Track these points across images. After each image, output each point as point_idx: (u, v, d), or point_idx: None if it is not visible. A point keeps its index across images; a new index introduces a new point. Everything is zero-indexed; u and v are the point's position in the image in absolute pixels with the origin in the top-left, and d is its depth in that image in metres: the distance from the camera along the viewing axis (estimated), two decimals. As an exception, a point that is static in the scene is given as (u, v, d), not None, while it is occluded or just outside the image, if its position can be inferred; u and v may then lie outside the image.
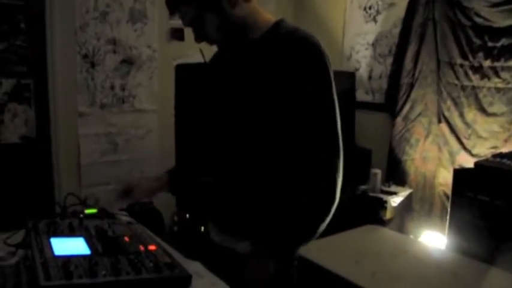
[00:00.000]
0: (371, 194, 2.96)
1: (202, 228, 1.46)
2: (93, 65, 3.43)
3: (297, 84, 1.14)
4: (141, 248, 1.42)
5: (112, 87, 3.54)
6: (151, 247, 1.42)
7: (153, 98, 3.74)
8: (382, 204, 2.83)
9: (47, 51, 3.23)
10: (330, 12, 4.05)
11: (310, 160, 1.16)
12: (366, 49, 3.68)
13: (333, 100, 1.17)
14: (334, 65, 3.82)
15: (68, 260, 1.23)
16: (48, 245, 1.37)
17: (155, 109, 3.75)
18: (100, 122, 3.53)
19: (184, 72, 2.98)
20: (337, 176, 1.18)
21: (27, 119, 3.23)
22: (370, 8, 3.63)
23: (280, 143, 1.19)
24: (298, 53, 1.15)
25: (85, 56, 3.39)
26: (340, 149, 1.19)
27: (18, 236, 1.54)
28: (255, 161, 1.24)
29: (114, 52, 3.50)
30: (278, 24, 1.25)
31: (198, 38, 1.28)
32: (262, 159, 1.23)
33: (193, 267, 1.35)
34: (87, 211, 1.87)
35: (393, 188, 3.06)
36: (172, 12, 1.26)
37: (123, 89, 3.59)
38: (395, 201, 2.90)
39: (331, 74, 1.17)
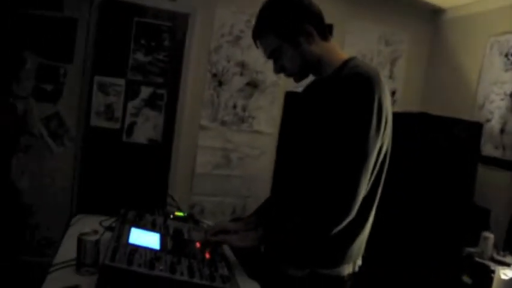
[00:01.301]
0: (477, 259, 2.63)
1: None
2: (220, 83, 3.72)
3: (341, 112, 1.23)
4: (207, 256, 1.49)
5: (234, 107, 3.79)
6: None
7: (272, 122, 3.89)
8: (489, 274, 2.50)
9: (182, 67, 3.61)
10: (466, 56, 3.80)
11: (336, 172, 1.22)
12: (502, 99, 3.34)
13: (364, 138, 1.20)
14: (463, 114, 3.55)
15: (136, 249, 1.35)
16: (127, 232, 1.52)
17: (272, 132, 3.89)
18: (218, 137, 3.78)
19: (292, 99, 3.06)
20: (357, 192, 1.21)
21: (156, 124, 3.62)
22: (512, 55, 3.32)
23: (321, 158, 1.28)
24: (344, 88, 1.24)
25: (214, 75, 3.70)
26: (366, 168, 1.21)
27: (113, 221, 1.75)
28: (304, 173, 1.36)
29: (241, 74, 3.75)
30: (345, 63, 1.34)
31: (276, 70, 1.42)
32: (308, 172, 1.34)
33: (250, 286, 1.38)
34: (177, 213, 2.03)
35: (508, 259, 2.67)
36: (255, 43, 1.41)
37: (244, 109, 3.81)
38: (506, 274, 2.53)
39: (375, 110, 1.21)
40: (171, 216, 1.95)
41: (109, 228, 1.67)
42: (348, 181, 1.20)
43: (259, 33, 1.38)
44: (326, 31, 1.39)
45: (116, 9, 3.47)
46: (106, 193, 3.38)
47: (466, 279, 2.64)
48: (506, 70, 3.35)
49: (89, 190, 3.48)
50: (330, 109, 1.27)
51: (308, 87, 1.51)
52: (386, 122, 1.25)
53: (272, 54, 1.38)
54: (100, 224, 1.75)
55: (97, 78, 3.47)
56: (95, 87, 3.47)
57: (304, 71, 1.39)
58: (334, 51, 1.39)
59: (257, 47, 1.44)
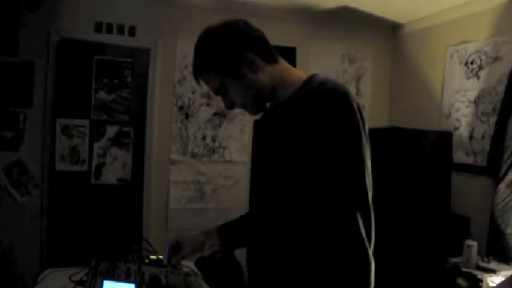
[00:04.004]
0: (464, 269, 2.61)
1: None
2: (187, 116, 3.66)
3: (325, 134, 1.08)
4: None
5: (204, 138, 3.72)
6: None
7: (243, 150, 3.83)
8: (477, 283, 2.47)
9: (147, 103, 3.54)
10: (428, 68, 3.87)
11: (334, 213, 1.06)
12: (467, 107, 3.40)
13: (360, 151, 1.09)
14: (431, 124, 3.61)
15: (109, 305, 1.26)
16: (99, 287, 1.42)
17: (244, 161, 3.82)
18: (190, 171, 3.70)
19: (260, 128, 3.03)
20: (362, 234, 1.06)
21: (125, 163, 3.51)
22: (472, 63, 3.39)
23: (310, 195, 1.11)
24: (325, 103, 1.10)
25: (181, 108, 3.64)
26: (368, 202, 1.08)
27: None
28: (288, 215, 1.18)
29: (208, 105, 3.70)
30: (309, 79, 1.22)
31: (227, 106, 1.28)
32: (295, 213, 1.16)
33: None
34: (152, 256, 1.93)
35: (493, 265, 2.66)
36: (197, 81, 1.28)
37: (214, 140, 3.75)
38: (493, 281, 2.51)
39: (361, 124, 1.11)
40: (147, 260, 1.85)
41: (80, 283, 1.55)
42: (352, 226, 1.05)
43: (198, 73, 1.26)
44: (272, 53, 1.26)
45: (74, 49, 3.39)
46: (77, 240, 3.23)
47: (462, 282, 2.61)
48: (468, 78, 3.42)
49: (58, 239, 3.32)
50: (308, 131, 1.12)
51: (266, 115, 1.37)
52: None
53: (218, 91, 1.26)
54: (69, 278, 1.63)
55: (59, 121, 3.36)
56: (57, 130, 3.35)
57: (257, 102, 1.26)
58: (287, 72, 1.27)
59: (199, 85, 1.33)
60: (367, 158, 1.11)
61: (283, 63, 1.28)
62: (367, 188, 1.08)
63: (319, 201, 1.09)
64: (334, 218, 1.06)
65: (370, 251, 1.07)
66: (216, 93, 1.27)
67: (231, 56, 1.20)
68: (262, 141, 1.36)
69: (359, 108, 1.12)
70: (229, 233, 1.52)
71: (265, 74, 1.22)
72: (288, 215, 1.17)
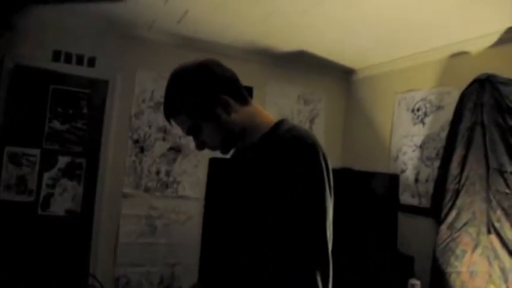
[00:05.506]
0: (407, 307, 2.68)
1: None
2: (142, 149, 3.64)
3: (288, 181, 1.09)
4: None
5: (158, 173, 3.70)
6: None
7: (197, 186, 3.82)
8: (419, 320, 2.55)
9: (102, 134, 3.50)
10: (378, 112, 4.07)
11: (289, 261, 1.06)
12: (413, 151, 3.59)
13: (322, 197, 1.10)
14: (380, 167, 3.76)
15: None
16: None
17: (198, 197, 3.80)
18: (142, 205, 3.64)
19: (217, 166, 3.07)
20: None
21: (75, 195, 3.41)
22: (418, 110, 3.60)
23: (270, 239, 1.11)
24: (289, 151, 1.12)
25: (136, 141, 3.62)
26: (328, 255, 1.08)
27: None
28: (249, 254, 1.17)
29: (164, 139, 3.71)
30: (277, 124, 1.24)
31: (198, 146, 1.28)
32: (255, 252, 1.15)
33: None
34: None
35: (434, 303, 2.76)
36: (169, 121, 1.27)
37: (168, 175, 3.73)
38: (434, 318, 2.60)
39: (325, 171, 1.13)
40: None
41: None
42: (304, 275, 1.06)
43: (171, 114, 1.24)
44: (244, 95, 1.27)
45: (29, 76, 3.34)
46: (19, 274, 3.06)
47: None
48: (414, 124, 3.63)
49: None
50: (273, 177, 1.12)
51: (234, 156, 1.36)
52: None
53: (190, 131, 1.25)
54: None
55: (7, 149, 3.26)
56: (5, 158, 3.24)
57: (228, 142, 1.26)
58: (258, 115, 1.27)
59: (171, 125, 1.30)
60: (329, 209, 1.11)
61: (255, 106, 1.29)
62: (327, 240, 1.09)
63: (280, 248, 1.08)
64: (293, 271, 1.05)
65: None
66: (188, 134, 1.26)
67: (206, 98, 1.19)
68: (228, 181, 1.35)
69: (325, 158, 1.14)
70: None
71: (238, 115, 1.23)
72: (249, 255, 1.16)
